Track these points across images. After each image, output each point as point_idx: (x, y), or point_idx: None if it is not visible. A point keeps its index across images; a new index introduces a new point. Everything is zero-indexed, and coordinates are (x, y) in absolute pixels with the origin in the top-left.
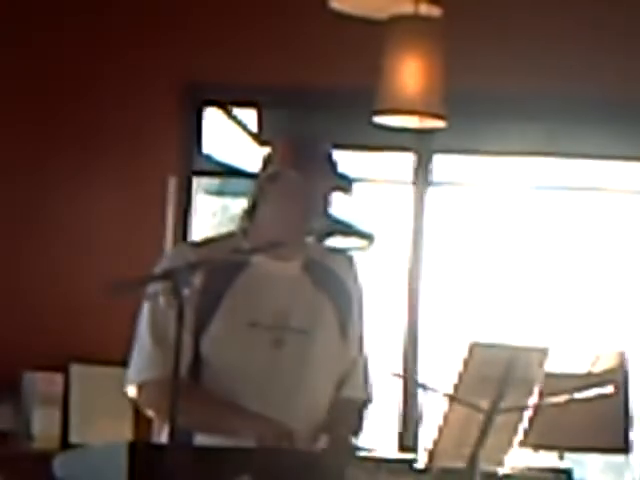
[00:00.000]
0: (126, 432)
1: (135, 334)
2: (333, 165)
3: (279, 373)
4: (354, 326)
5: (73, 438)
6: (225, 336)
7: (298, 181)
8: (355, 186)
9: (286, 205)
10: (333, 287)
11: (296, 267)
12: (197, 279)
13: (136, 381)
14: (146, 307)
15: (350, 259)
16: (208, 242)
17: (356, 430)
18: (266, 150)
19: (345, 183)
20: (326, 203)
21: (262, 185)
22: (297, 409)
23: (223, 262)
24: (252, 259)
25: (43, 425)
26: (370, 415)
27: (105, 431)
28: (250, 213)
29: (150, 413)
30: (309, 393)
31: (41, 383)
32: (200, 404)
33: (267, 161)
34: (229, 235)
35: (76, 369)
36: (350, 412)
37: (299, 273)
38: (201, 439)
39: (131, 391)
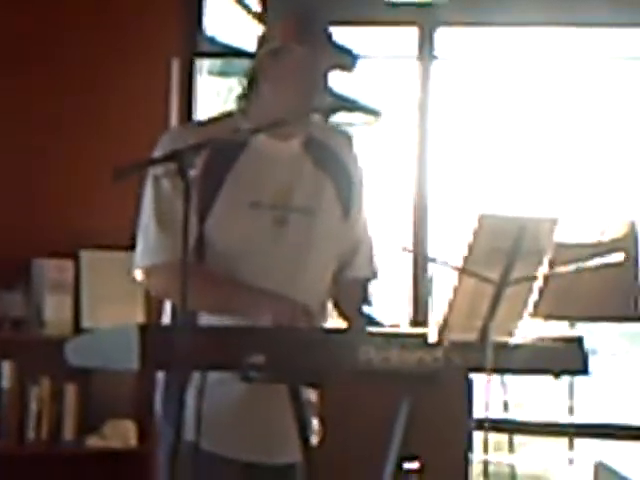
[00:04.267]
0: (138, 316)
1: (139, 218)
2: (334, 41)
3: (282, 252)
4: (356, 207)
5: (85, 324)
6: (228, 217)
7: (302, 56)
8: (358, 62)
9: (289, 81)
10: (334, 167)
11: (297, 145)
12: (199, 160)
13: (143, 266)
14: (149, 190)
15: (350, 139)
16: (208, 122)
17: (362, 306)
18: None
19: (348, 59)
20: (326, 80)
21: (262, 61)
22: (301, 287)
23: (225, 142)
24: (253, 139)
25: (54, 311)
26: (379, 290)
27: (117, 316)
28: (249, 92)
29: (159, 297)
30: (312, 272)
31: (51, 269)
32: (209, 285)
33: (264, 39)
34: (228, 115)
35: (86, 255)
36: (355, 291)
37: (300, 152)
38: (206, 320)
39: (138, 276)
